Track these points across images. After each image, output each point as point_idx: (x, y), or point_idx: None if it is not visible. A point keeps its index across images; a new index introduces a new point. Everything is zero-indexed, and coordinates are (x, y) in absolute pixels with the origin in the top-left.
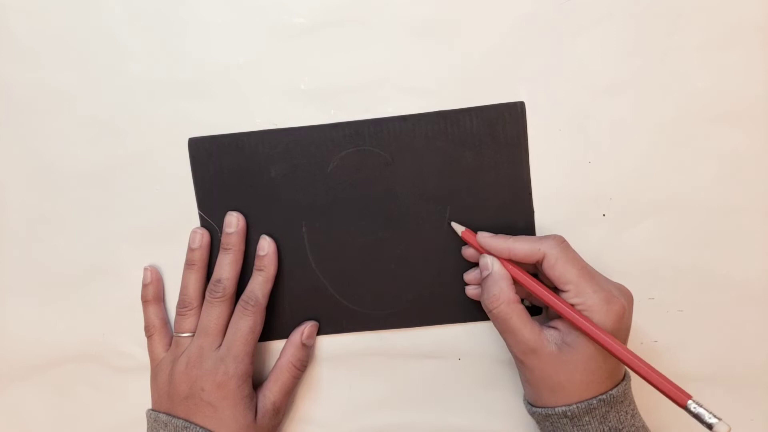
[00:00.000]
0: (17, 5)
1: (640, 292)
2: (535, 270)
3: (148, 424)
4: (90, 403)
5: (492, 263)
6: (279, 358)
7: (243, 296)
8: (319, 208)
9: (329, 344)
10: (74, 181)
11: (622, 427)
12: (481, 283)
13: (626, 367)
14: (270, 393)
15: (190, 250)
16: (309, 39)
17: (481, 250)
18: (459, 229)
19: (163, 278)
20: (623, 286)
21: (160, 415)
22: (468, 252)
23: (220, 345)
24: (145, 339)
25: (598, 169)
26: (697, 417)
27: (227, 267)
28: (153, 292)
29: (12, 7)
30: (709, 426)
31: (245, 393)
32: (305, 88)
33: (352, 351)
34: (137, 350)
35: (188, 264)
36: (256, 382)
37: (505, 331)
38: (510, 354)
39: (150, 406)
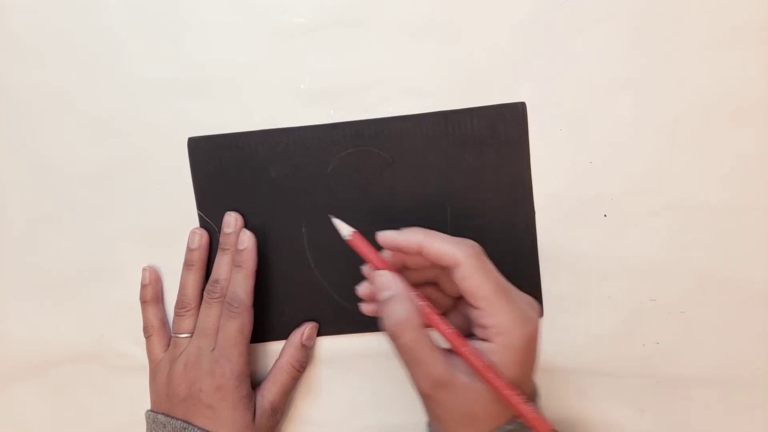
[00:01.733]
0: (18, 5)
1: (642, 293)
2: (431, 275)
3: (147, 425)
4: (90, 404)
5: (391, 280)
6: (278, 359)
7: (226, 298)
8: (319, 208)
9: (329, 345)
10: (74, 181)
11: None
12: (378, 303)
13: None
14: (268, 393)
15: (189, 250)
16: (309, 39)
17: (371, 259)
18: (345, 231)
19: (162, 278)
20: (533, 300)
21: (159, 416)
22: (365, 291)
23: None
24: (144, 339)
25: (599, 170)
26: None
27: (225, 267)
28: (152, 293)
29: (12, 6)
30: None
31: (243, 393)
32: (305, 88)
33: (352, 352)
34: (137, 350)
35: (187, 264)
36: (255, 382)
37: (411, 363)
38: None
39: (149, 407)
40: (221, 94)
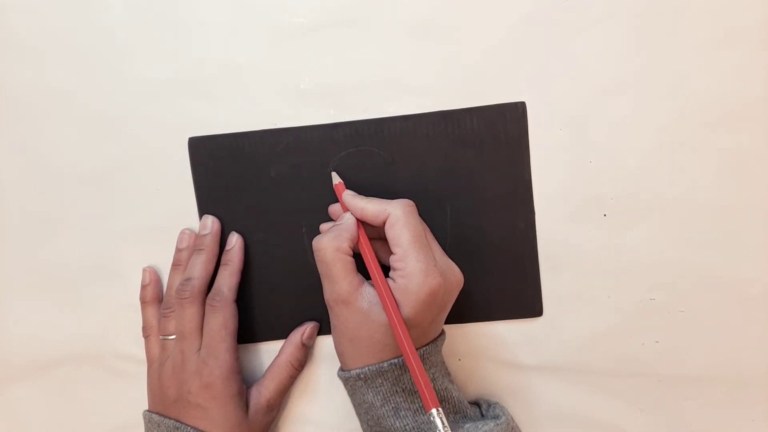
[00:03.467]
0: (18, 5)
1: (641, 292)
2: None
3: (144, 424)
4: (89, 403)
5: (346, 216)
6: (278, 356)
7: (210, 293)
8: (319, 208)
9: (328, 345)
10: (74, 181)
11: (416, 389)
12: None
13: (443, 333)
14: (265, 390)
15: (178, 250)
16: (309, 39)
17: (344, 208)
18: (335, 179)
19: (162, 279)
20: (456, 268)
21: (154, 415)
22: (333, 208)
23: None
24: (143, 339)
25: (598, 169)
26: (434, 425)
27: (198, 266)
28: (151, 293)
29: (12, 6)
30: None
31: (234, 391)
32: (305, 88)
33: None
34: (136, 350)
35: (175, 264)
36: (254, 381)
37: (325, 276)
38: (509, 355)
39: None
40: (221, 94)
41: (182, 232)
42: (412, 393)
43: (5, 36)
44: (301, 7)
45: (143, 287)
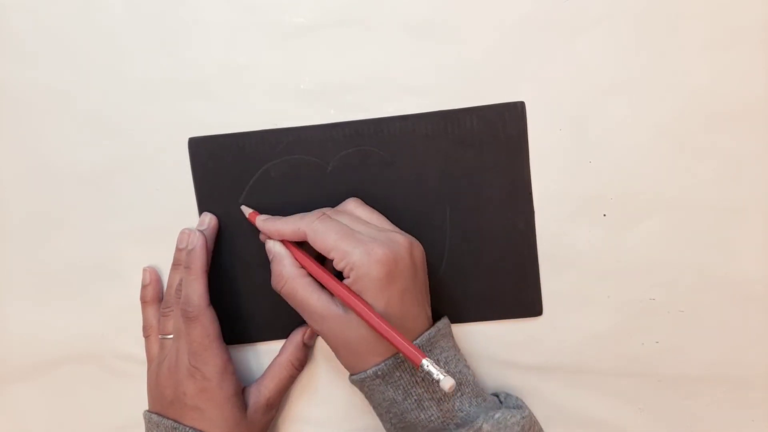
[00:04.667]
0: (17, 5)
1: (641, 292)
2: None
3: (144, 424)
4: (90, 403)
5: (273, 245)
6: (278, 356)
7: (180, 304)
8: (319, 208)
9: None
10: (74, 181)
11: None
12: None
13: (443, 316)
14: (265, 389)
15: (178, 250)
16: (309, 39)
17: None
18: (246, 211)
19: (162, 279)
20: (400, 235)
21: (153, 415)
22: (262, 236)
23: None
24: (144, 339)
25: (598, 169)
26: (429, 375)
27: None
28: (152, 293)
29: (12, 6)
30: (437, 381)
31: (230, 392)
32: (305, 88)
33: None
34: (136, 350)
35: (175, 264)
36: (253, 381)
37: (296, 306)
38: (509, 355)
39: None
40: (221, 94)
41: (182, 232)
42: (432, 382)
43: (5, 36)
44: (301, 7)
45: (143, 287)
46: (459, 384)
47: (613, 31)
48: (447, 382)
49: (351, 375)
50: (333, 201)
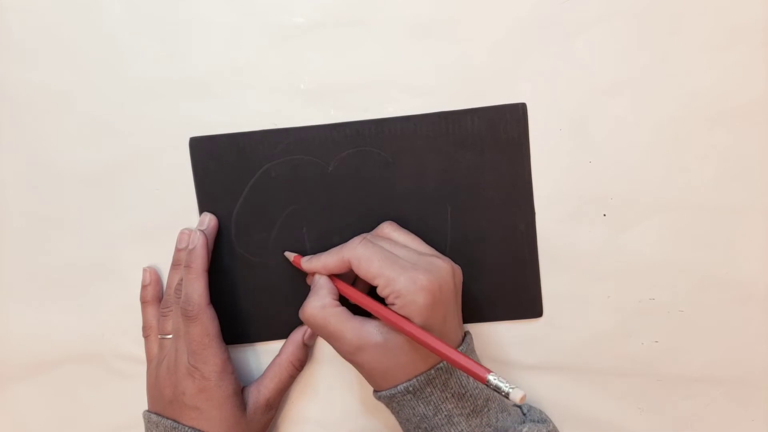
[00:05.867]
0: (17, 5)
1: (641, 292)
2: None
3: (144, 424)
4: (90, 403)
5: (315, 278)
6: (278, 355)
7: (180, 303)
8: (320, 208)
9: (329, 345)
10: (75, 181)
11: (465, 391)
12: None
13: (466, 330)
14: (265, 389)
15: (177, 250)
16: (309, 39)
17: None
18: (290, 257)
19: (162, 279)
20: (440, 261)
21: (152, 415)
22: (308, 279)
23: None
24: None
25: (598, 169)
26: (497, 389)
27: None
28: (152, 293)
29: (12, 6)
30: (507, 395)
31: (229, 391)
32: (305, 88)
33: None
34: (136, 350)
35: (174, 264)
36: (252, 381)
37: (328, 336)
38: (510, 356)
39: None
40: (221, 94)
41: (182, 232)
42: (461, 397)
43: (5, 36)
44: (301, 7)
45: (143, 287)
46: (486, 399)
47: (613, 31)
48: (517, 394)
49: (378, 391)
50: (333, 201)
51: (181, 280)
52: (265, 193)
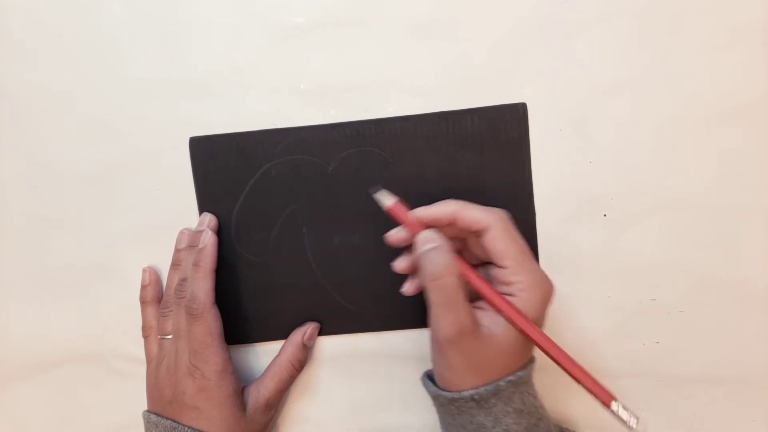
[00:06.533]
0: (17, 5)
1: (641, 292)
2: (458, 245)
3: (144, 424)
4: (90, 403)
5: (437, 236)
6: (278, 356)
7: (185, 301)
8: (320, 208)
9: (329, 345)
10: (75, 181)
11: (524, 408)
12: (420, 258)
13: (537, 349)
14: (265, 389)
15: (177, 250)
16: (309, 39)
17: (411, 224)
18: (388, 201)
19: (161, 279)
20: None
21: (152, 415)
22: (397, 236)
23: None
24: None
25: (598, 170)
26: (616, 414)
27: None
28: (151, 294)
29: (12, 7)
30: (627, 423)
31: (229, 391)
32: (305, 88)
33: (352, 352)
34: (137, 350)
35: (174, 264)
36: (252, 381)
37: (445, 306)
38: None
39: None
40: (221, 94)
41: (181, 233)
42: (520, 413)
43: (5, 36)
44: (300, 7)
45: (143, 287)
46: (538, 419)
47: (613, 31)
48: (642, 426)
49: (440, 389)
50: (333, 201)
51: (182, 280)
52: (265, 193)
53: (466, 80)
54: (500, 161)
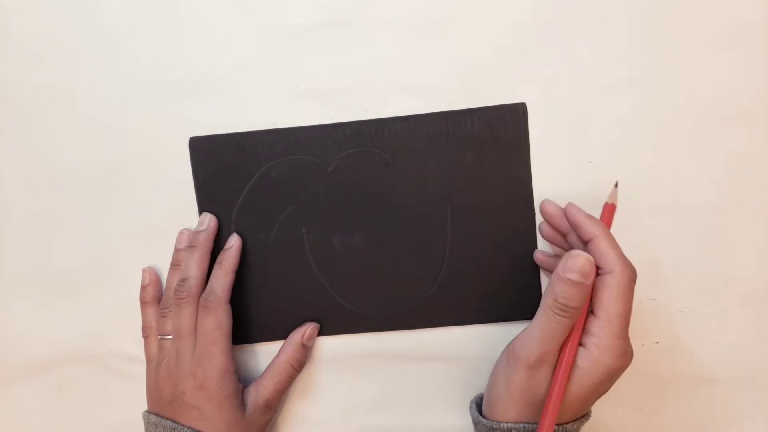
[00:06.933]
0: (17, 5)
1: (642, 292)
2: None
3: (144, 424)
4: (90, 403)
5: (593, 274)
6: (277, 356)
7: (203, 294)
8: (320, 208)
9: (329, 345)
10: (75, 181)
11: None
12: (570, 279)
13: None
14: (264, 390)
15: (177, 250)
16: (309, 39)
17: (586, 233)
18: (612, 199)
19: (161, 279)
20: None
21: (151, 416)
22: (552, 209)
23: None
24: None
25: (598, 170)
26: None
27: (193, 265)
28: (151, 294)
29: (12, 7)
30: None
31: (229, 392)
32: (305, 88)
33: (352, 352)
34: (137, 350)
35: (173, 264)
36: (252, 381)
37: (555, 329)
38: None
39: None
40: (221, 94)
41: (181, 233)
42: None
43: (5, 37)
44: (300, 7)
45: (143, 288)
46: None
47: (613, 31)
48: None
49: (482, 415)
50: (333, 201)
51: (182, 280)
52: (265, 193)
53: (466, 80)
54: (500, 161)
